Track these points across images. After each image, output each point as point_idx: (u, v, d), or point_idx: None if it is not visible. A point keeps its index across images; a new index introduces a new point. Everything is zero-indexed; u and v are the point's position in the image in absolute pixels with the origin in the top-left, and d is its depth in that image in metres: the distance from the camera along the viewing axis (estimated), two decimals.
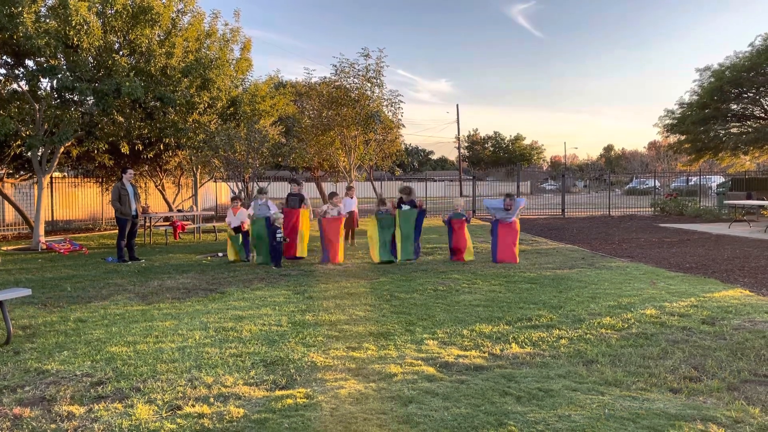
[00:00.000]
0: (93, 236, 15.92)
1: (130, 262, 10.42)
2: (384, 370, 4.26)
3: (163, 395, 3.82)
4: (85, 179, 19.44)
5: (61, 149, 13.61)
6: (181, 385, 4.00)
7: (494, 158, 75.38)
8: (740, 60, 21.24)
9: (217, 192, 27.80)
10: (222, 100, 15.51)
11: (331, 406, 3.61)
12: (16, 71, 12.99)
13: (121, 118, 13.18)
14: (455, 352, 4.71)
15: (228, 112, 16.18)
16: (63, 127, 12.56)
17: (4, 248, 12.74)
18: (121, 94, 12.13)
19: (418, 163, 77.29)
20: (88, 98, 12.93)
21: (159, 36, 13.77)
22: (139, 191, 12.32)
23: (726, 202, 21.11)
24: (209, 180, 20.70)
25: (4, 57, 12.73)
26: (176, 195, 20.67)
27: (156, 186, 19.50)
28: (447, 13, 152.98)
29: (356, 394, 3.80)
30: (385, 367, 4.34)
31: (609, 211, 24.59)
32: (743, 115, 22.86)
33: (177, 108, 13.88)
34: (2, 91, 13.04)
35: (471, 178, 30.81)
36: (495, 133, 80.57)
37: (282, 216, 10.02)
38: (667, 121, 24.63)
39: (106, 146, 14.35)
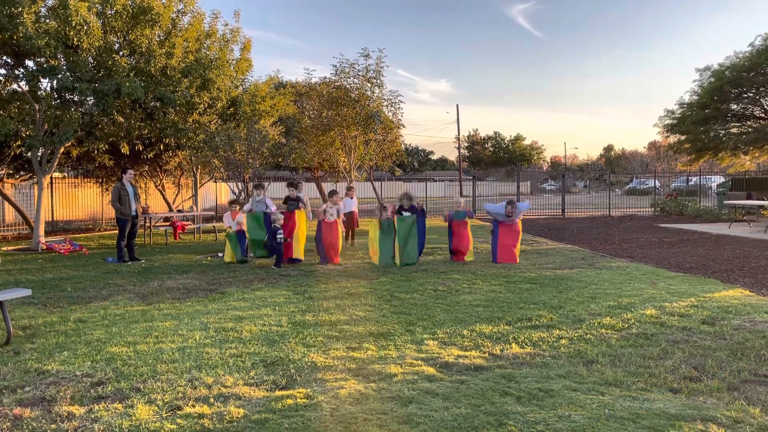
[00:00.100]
0: (93, 236, 15.92)
1: (130, 263, 10.42)
2: (384, 371, 4.26)
3: (164, 395, 3.82)
4: (85, 179, 19.44)
5: (61, 149, 13.61)
6: (181, 386, 4.00)
7: (494, 158, 75.39)
8: (740, 60, 21.24)
9: (217, 192, 27.79)
10: (222, 101, 15.51)
11: (332, 406, 3.61)
12: (16, 71, 12.99)
13: (121, 119, 13.19)
14: (455, 353, 4.71)
15: (228, 112, 16.18)
16: (63, 127, 12.57)
17: (4, 248, 12.75)
18: (121, 94, 12.13)
19: (418, 163, 77.29)
20: (88, 98, 12.94)
21: (159, 36, 13.77)
22: (139, 191, 12.33)
23: (726, 202, 21.11)
24: (209, 180, 20.70)
25: (4, 57, 12.74)
26: (176, 195, 20.67)
27: (156, 186, 19.51)
28: (447, 13, 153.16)
29: (356, 394, 3.80)
30: (386, 367, 4.34)
31: (609, 212, 24.60)
32: (743, 115, 22.86)
33: (177, 108, 13.89)
34: (2, 92, 13.04)
35: (471, 178, 30.80)
36: (495, 133, 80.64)
37: (282, 217, 10.01)
38: (667, 121, 24.64)
39: (106, 146, 14.35)
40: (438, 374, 4.19)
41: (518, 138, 79.13)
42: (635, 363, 4.39)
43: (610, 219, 21.66)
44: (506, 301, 6.72)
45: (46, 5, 11.98)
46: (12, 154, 14.60)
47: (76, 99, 13.32)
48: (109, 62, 12.48)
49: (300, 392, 3.84)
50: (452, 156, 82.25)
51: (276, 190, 23.53)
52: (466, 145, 79.30)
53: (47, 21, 11.70)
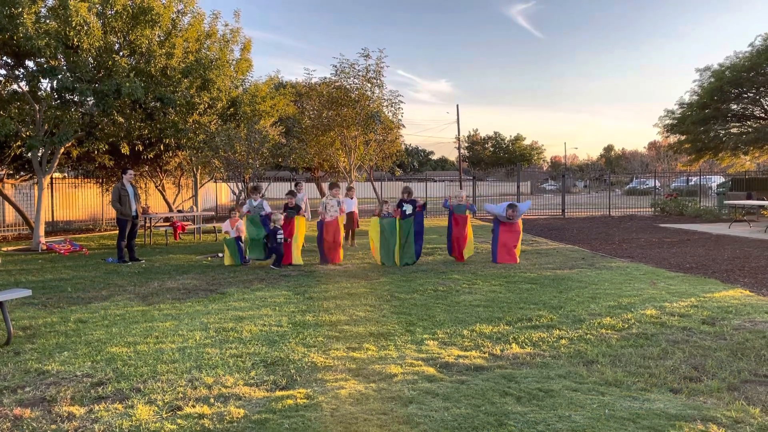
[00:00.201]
0: (93, 237, 15.92)
1: (130, 263, 10.42)
2: (384, 371, 4.26)
3: (164, 396, 3.83)
4: (86, 180, 19.45)
5: (62, 150, 13.61)
6: (181, 386, 4.00)
7: (494, 158, 75.40)
8: (740, 60, 21.24)
9: (218, 192, 27.82)
10: (222, 101, 15.52)
11: (332, 406, 3.61)
12: (17, 72, 13.00)
13: (121, 119, 13.19)
14: (455, 353, 4.71)
15: (228, 112, 16.19)
16: (63, 127, 12.57)
17: (5, 249, 12.75)
18: (122, 94, 12.13)
19: (418, 163, 77.29)
20: (88, 99, 12.94)
21: (159, 36, 13.77)
22: (139, 192, 12.33)
23: (726, 202, 21.10)
24: (209, 180, 20.71)
25: (5, 58, 12.74)
26: (176, 195, 20.68)
27: (156, 186, 19.51)
28: (447, 13, 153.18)
29: (356, 394, 3.80)
30: (386, 367, 4.34)
31: (609, 212, 24.59)
32: (743, 115, 22.86)
33: (177, 108, 13.89)
34: (2, 92, 13.04)
35: (471, 178, 30.81)
36: (495, 133, 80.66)
37: (282, 218, 10.01)
38: (667, 121, 24.64)
39: (107, 147, 14.36)
40: (438, 374, 4.19)
41: (518, 138, 79.15)
42: (635, 363, 4.39)
43: (610, 219, 21.66)
44: (506, 301, 6.72)
45: (46, 6, 11.98)
46: (12, 154, 14.61)
47: (76, 99, 13.32)
48: (110, 62, 12.48)
49: (300, 392, 3.84)
50: (452, 156, 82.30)
51: (276, 190, 23.52)
52: (466, 145, 79.32)
53: (47, 21, 11.70)
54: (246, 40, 16.86)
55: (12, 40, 11.67)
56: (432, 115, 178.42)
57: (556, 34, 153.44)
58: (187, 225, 16.14)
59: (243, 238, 10.14)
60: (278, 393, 3.85)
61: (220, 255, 11.20)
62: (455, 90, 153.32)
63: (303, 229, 10.38)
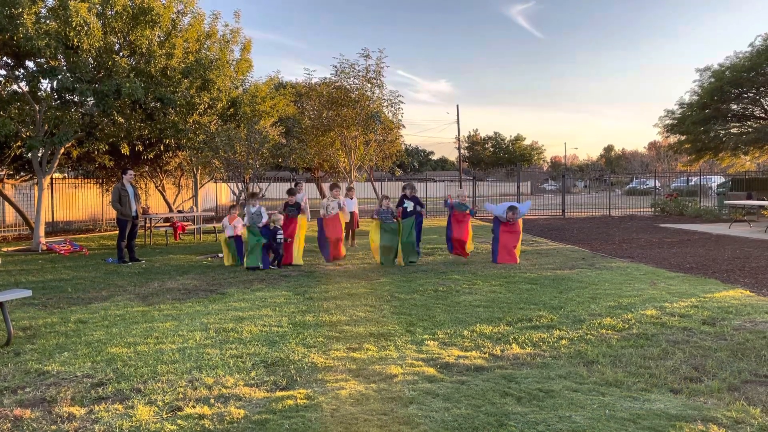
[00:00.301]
0: (93, 237, 15.92)
1: (130, 263, 10.42)
2: (384, 371, 4.26)
3: (164, 396, 3.82)
4: (86, 180, 19.45)
5: (62, 150, 13.61)
6: (181, 386, 4.00)
7: (494, 159, 75.40)
8: (740, 60, 21.25)
9: (218, 193, 27.81)
10: (222, 101, 15.51)
11: (332, 407, 3.61)
12: (17, 72, 13.00)
13: (121, 119, 13.19)
14: (456, 353, 4.71)
15: (228, 112, 16.19)
16: (63, 128, 12.57)
17: (5, 249, 12.75)
18: (122, 95, 12.13)
19: (418, 163, 77.29)
20: (88, 99, 12.93)
21: (159, 37, 13.77)
22: (139, 192, 12.32)
23: (726, 202, 21.10)
24: (209, 181, 20.71)
25: (5, 58, 12.74)
26: (176, 196, 20.68)
27: (156, 187, 19.51)
28: (447, 13, 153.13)
29: (357, 395, 3.80)
30: (386, 367, 4.34)
31: (609, 212, 24.60)
32: (743, 115, 22.86)
33: (177, 109, 13.89)
34: (2, 92, 13.04)
35: (471, 178, 30.82)
36: (495, 133, 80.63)
37: (282, 218, 10.00)
38: (668, 122, 24.64)
39: (107, 147, 14.36)
40: (438, 375, 4.19)
41: (518, 138, 79.14)
42: (636, 363, 4.39)
43: (611, 219, 21.66)
44: (506, 301, 6.72)
45: (46, 6, 11.99)
46: (12, 154, 14.61)
47: (76, 100, 13.33)
48: (110, 63, 12.48)
49: (300, 393, 3.84)
50: (452, 156, 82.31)
51: (276, 191, 23.52)
52: (466, 145, 79.32)
53: (47, 22, 11.70)
54: (246, 41, 16.86)
55: (12, 41, 11.68)
56: (432, 115, 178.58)
57: (556, 34, 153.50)
58: (187, 225, 16.14)
59: (242, 237, 10.10)
60: (278, 393, 3.85)
61: (220, 255, 11.19)
62: (455, 90, 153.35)
63: (304, 229, 10.37)
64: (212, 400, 3.74)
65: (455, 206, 10.27)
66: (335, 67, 16.43)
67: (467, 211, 10.25)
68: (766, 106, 21.99)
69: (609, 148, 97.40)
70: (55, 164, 13.66)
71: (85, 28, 11.75)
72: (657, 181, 33.20)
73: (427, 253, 11.15)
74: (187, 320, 5.95)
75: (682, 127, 23.59)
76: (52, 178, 17.19)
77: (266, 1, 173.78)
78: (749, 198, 20.31)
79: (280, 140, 15.58)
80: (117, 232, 11.00)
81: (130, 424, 3.39)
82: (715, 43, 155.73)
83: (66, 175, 19.95)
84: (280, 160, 16.43)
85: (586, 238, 14.58)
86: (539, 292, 7.28)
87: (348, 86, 16.49)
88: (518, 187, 26.36)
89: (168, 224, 15.82)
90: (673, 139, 27.91)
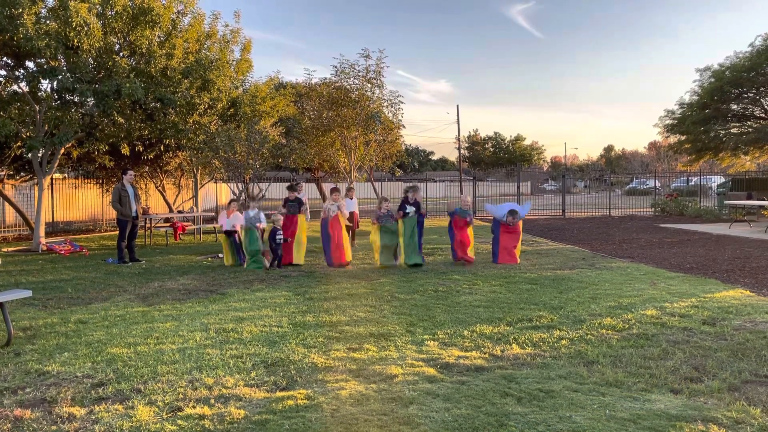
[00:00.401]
0: (93, 237, 15.93)
1: (130, 264, 10.42)
2: (385, 371, 4.26)
3: (164, 396, 3.82)
4: (86, 180, 19.45)
5: (62, 150, 13.61)
6: (181, 387, 4.00)
7: (494, 159, 75.42)
8: (740, 60, 21.24)
9: (218, 193, 27.81)
10: (222, 101, 15.51)
11: (332, 407, 3.61)
12: (17, 73, 13.01)
13: (121, 120, 13.19)
14: (456, 353, 4.71)
15: (228, 113, 16.19)
16: (63, 128, 12.58)
17: (5, 250, 12.75)
18: (122, 95, 12.13)
19: (418, 163, 77.31)
20: (88, 99, 12.94)
21: (159, 37, 13.77)
22: (139, 192, 12.33)
23: (726, 202, 21.10)
24: (209, 181, 20.72)
25: (5, 58, 12.75)
26: (176, 196, 20.68)
27: (156, 187, 19.51)
28: (447, 13, 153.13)
29: (357, 395, 3.80)
30: (386, 368, 4.34)
31: (609, 212, 24.60)
32: (743, 115, 22.86)
33: (177, 109, 13.89)
34: (2, 93, 13.05)
35: (471, 178, 30.82)
36: (495, 133, 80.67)
37: (281, 218, 9.98)
38: (668, 122, 24.64)
39: (107, 147, 14.36)
40: (439, 375, 4.19)
41: (518, 138, 79.16)
42: (636, 363, 4.39)
43: (611, 219, 21.66)
44: (507, 301, 6.72)
45: (46, 6, 11.99)
46: (12, 155, 14.62)
47: (76, 100, 13.33)
48: (110, 63, 12.49)
49: (301, 393, 3.84)
50: (452, 156, 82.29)
51: (276, 191, 23.52)
52: (467, 145, 79.32)
53: (47, 22, 11.71)
54: (246, 41, 16.86)
55: (12, 41, 11.68)
56: (432, 116, 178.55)
57: (556, 34, 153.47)
58: (187, 225, 16.15)
59: (239, 235, 10.09)
60: (279, 394, 3.85)
61: (221, 255, 11.20)
62: (455, 90, 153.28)
63: (305, 229, 10.32)
64: (212, 401, 3.74)
65: (457, 212, 10.05)
66: (335, 67, 16.41)
67: (467, 218, 10.01)
68: (766, 106, 21.99)
69: (609, 148, 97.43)
70: (56, 164, 13.66)
71: (85, 29, 11.76)
72: (657, 181, 33.21)
73: (427, 253, 11.15)
74: (187, 320, 5.95)
75: (682, 127, 23.59)
76: (52, 179, 17.20)
77: (266, 1, 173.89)
78: (749, 198, 20.31)
79: (281, 140, 15.58)
80: (117, 232, 11.00)
81: (130, 424, 3.39)
82: (715, 43, 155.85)
83: (66, 175, 19.95)
84: (280, 161, 16.43)
85: (586, 238, 14.58)
86: (539, 292, 7.28)
87: (348, 86, 16.47)
88: (518, 188, 26.36)
89: (168, 224, 15.82)
90: (673, 139, 27.91)
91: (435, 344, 4.99)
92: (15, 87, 13.23)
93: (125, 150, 14.82)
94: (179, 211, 18.44)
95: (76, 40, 11.77)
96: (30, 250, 12.60)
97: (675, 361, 4.46)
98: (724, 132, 22.80)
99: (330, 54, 32.20)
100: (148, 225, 14.33)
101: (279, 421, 3.40)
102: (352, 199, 12.96)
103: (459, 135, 51.42)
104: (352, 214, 12.70)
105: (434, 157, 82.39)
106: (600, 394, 3.79)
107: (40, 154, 13.37)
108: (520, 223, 10.26)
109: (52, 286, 8.09)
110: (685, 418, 3.39)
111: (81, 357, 4.73)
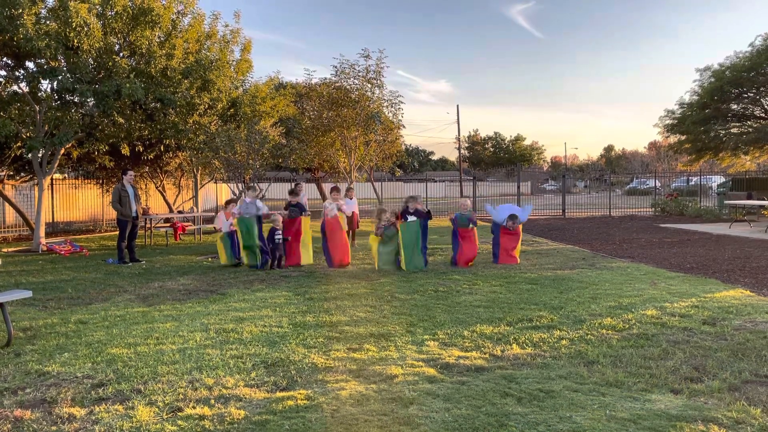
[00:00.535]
0: (93, 238, 15.93)
1: (130, 264, 10.42)
2: (385, 372, 4.26)
3: (164, 397, 3.82)
4: (86, 181, 19.46)
5: (62, 151, 13.61)
6: (181, 387, 4.00)
7: (494, 159, 75.40)
8: (740, 60, 21.25)
9: (218, 193, 27.80)
10: (222, 102, 15.52)
11: (332, 407, 3.60)
12: (17, 73, 13.01)
13: (121, 120, 13.20)
14: (456, 353, 4.71)
15: (228, 113, 16.19)
16: (63, 128, 12.58)
17: (5, 250, 12.75)
18: (122, 95, 12.14)
19: (418, 163, 77.31)
20: (88, 100, 12.95)
21: (159, 37, 13.78)
22: (139, 193, 12.33)
23: (726, 202, 21.10)
24: (210, 181, 20.72)
25: (5, 59, 12.75)
26: (177, 196, 20.68)
27: (156, 187, 19.52)
28: (447, 13, 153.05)
29: (357, 395, 3.80)
30: (386, 368, 4.34)
31: (609, 212, 24.59)
32: (743, 115, 22.86)
33: (177, 109, 13.90)
34: (2, 93, 13.05)
35: (471, 178, 30.83)
36: (495, 133, 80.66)
37: (280, 219, 9.94)
38: (668, 122, 24.65)
39: (107, 148, 14.36)
40: (439, 375, 4.19)
41: (518, 138, 79.16)
42: (636, 363, 4.39)
43: (611, 219, 21.65)
44: (507, 301, 6.72)
45: (46, 7, 11.99)
46: (12, 155, 14.62)
47: (76, 100, 13.34)
48: (110, 63, 12.49)
49: (301, 393, 3.84)
50: (453, 156, 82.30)
51: (276, 191, 23.52)
52: (467, 145, 79.31)
53: (47, 22, 11.71)
54: (246, 41, 16.86)
55: (12, 41, 11.68)
56: (432, 116, 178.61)
57: (556, 34, 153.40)
58: (187, 226, 16.15)
59: (237, 237, 10.04)
60: (279, 394, 3.85)
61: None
62: (455, 90, 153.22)
63: (309, 229, 10.30)
64: (212, 401, 3.74)
65: (458, 220, 9.83)
66: (335, 67, 16.42)
67: (470, 227, 9.78)
68: (766, 106, 21.99)
69: (609, 148, 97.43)
70: (56, 165, 13.66)
71: (85, 29, 11.76)
72: (657, 181, 33.21)
73: (427, 254, 11.12)
74: (187, 321, 5.95)
75: (682, 127, 23.59)
76: (52, 179, 17.20)
77: (266, 1, 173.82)
78: (749, 198, 20.30)
79: (281, 141, 15.58)
80: (117, 232, 11.00)
81: (130, 424, 3.39)
82: (715, 43, 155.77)
83: (66, 175, 19.96)
84: (280, 161, 16.43)
85: (586, 238, 14.58)
86: (539, 292, 7.28)
87: (348, 86, 16.48)
88: (518, 188, 26.36)
89: (168, 225, 15.82)
90: (673, 139, 27.91)
91: (435, 344, 4.99)
92: (15, 87, 13.23)
93: (125, 150, 14.83)
94: (179, 212, 18.45)
95: (76, 41, 11.77)
96: (30, 251, 12.60)
97: (675, 361, 4.46)
98: (724, 132, 22.80)
99: (330, 54, 32.23)
100: (148, 225, 14.33)
101: (279, 421, 3.40)
102: (351, 199, 12.96)
103: (459, 135, 51.45)
104: (351, 213, 12.71)
105: (434, 157, 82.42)
106: (600, 394, 3.79)
107: (40, 155, 13.38)
108: (520, 225, 10.25)
109: (53, 287, 8.09)
110: (685, 418, 3.39)
111: (81, 357, 4.73)
